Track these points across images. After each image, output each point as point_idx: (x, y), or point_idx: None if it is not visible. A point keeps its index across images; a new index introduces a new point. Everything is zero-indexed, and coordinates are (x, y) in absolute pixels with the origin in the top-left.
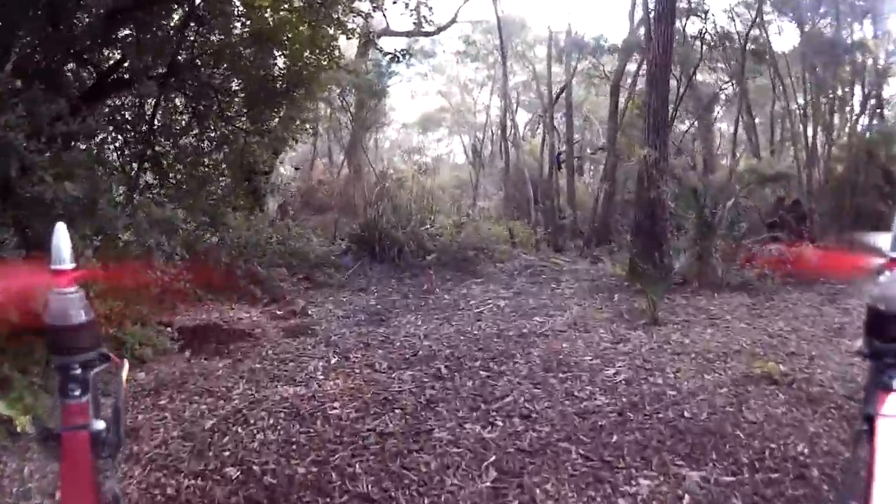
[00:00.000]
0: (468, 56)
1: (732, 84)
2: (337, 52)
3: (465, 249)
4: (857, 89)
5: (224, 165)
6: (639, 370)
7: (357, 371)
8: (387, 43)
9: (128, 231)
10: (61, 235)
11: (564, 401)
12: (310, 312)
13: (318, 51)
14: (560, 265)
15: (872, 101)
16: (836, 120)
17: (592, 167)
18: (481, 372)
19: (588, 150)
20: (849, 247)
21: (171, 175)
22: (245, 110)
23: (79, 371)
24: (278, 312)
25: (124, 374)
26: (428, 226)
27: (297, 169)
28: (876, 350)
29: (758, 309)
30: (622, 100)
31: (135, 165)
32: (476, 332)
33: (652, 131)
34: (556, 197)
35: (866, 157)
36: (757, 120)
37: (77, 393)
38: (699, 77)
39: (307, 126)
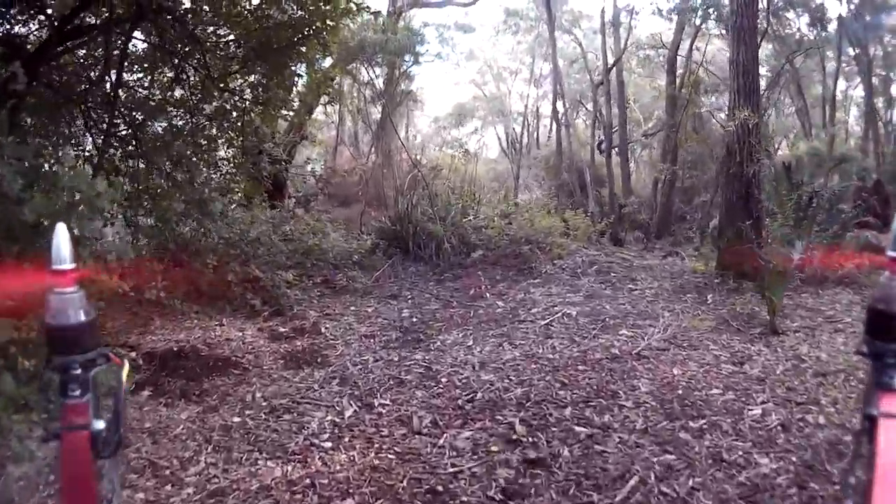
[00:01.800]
0: (509, 29)
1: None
2: None
3: (518, 244)
4: None
5: (219, 143)
6: (789, 405)
7: (384, 432)
8: (419, 15)
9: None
10: (61, 235)
11: (714, 471)
12: (323, 329)
13: None
14: (629, 260)
15: None
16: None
17: (642, 153)
18: (577, 428)
19: (638, 136)
20: None
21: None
22: (243, 71)
23: (79, 371)
24: (281, 330)
25: (125, 374)
26: (471, 217)
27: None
28: (876, 350)
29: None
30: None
31: (98, 141)
32: (551, 356)
33: (742, 94)
34: (612, 184)
35: None
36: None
37: (77, 393)
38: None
39: (327, 91)
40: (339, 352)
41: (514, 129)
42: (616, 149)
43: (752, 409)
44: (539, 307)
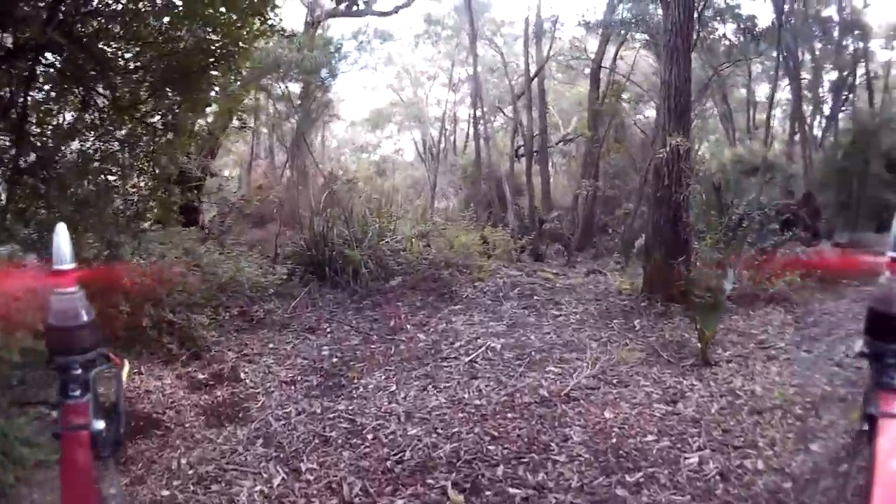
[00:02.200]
0: (430, 38)
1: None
2: (273, 13)
3: (437, 267)
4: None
5: (123, 171)
6: (726, 450)
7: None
8: (337, 25)
9: None
10: (62, 236)
11: None
12: (242, 375)
13: (248, 13)
14: (552, 280)
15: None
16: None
17: (562, 161)
18: (511, 490)
19: (557, 141)
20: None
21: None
22: (154, 97)
23: (79, 371)
24: (200, 377)
25: (125, 374)
26: (388, 239)
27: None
28: (876, 350)
29: (804, 328)
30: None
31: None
32: (478, 402)
33: (673, 116)
34: (532, 196)
35: (867, 145)
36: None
37: (77, 393)
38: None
39: (240, 118)
40: (261, 403)
41: (431, 134)
42: (536, 154)
43: (688, 458)
44: (462, 340)
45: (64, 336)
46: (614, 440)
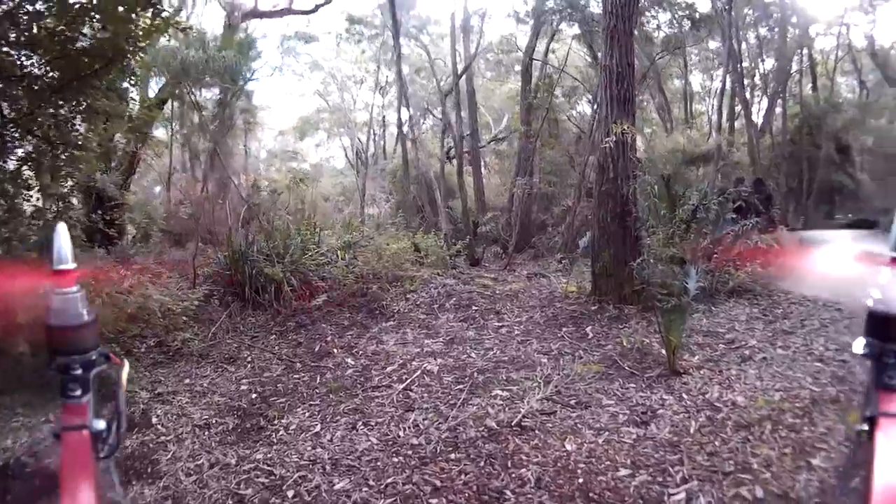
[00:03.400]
0: (352, 37)
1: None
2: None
3: (365, 280)
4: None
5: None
6: (715, 477)
7: None
8: (261, 28)
9: None
10: (62, 235)
11: None
12: (154, 419)
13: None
14: (491, 287)
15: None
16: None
17: (494, 159)
18: None
19: (490, 140)
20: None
21: None
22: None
23: (79, 371)
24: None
25: (125, 374)
26: (311, 252)
27: None
28: (876, 350)
29: (774, 322)
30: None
31: None
32: (415, 441)
33: (616, 103)
34: (464, 198)
35: (815, 129)
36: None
37: (77, 393)
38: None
39: (142, 128)
40: (171, 453)
41: (359, 139)
42: (468, 154)
43: (674, 494)
44: (395, 363)
45: (64, 336)
46: (581, 479)
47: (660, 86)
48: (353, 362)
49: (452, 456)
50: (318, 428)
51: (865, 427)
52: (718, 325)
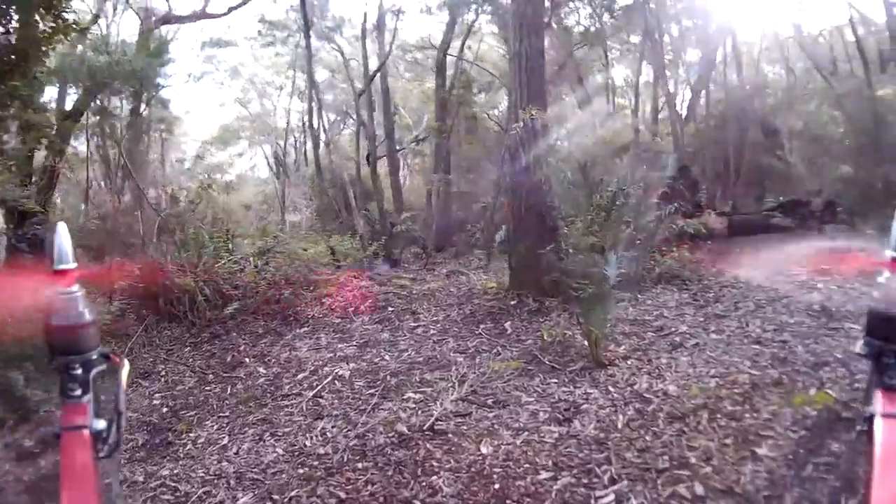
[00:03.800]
0: (265, 39)
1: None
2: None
3: (279, 287)
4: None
5: None
6: (648, 476)
7: None
8: (177, 32)
9: None
10: (63, 235)
11: None
12: None
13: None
14: (408, 287)
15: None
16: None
17: (414, 160)
18: None
19: (408, 142)
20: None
21: None
22: None
23: (80, 371)
24: (28, 444)
25: (124, 373)
26: (224, 260)
27: None
28: (876, 350)
29: (706, 306)
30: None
31: None
32: (322, 450)
33: (526, 90)
34: (381, 200)
35: (741, 113)
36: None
37: (78, 393)
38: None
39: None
40: None
41: (280, 146)
42: (384, 159)
43: (602, 497)
44: (306, 370)
45: (64, 336)
46: (497, 485)
47: (580, 79)
48: (264, 371)
49: (360, 465)
50: (225, 440)
51: (865, 426)
52: (646, 312)
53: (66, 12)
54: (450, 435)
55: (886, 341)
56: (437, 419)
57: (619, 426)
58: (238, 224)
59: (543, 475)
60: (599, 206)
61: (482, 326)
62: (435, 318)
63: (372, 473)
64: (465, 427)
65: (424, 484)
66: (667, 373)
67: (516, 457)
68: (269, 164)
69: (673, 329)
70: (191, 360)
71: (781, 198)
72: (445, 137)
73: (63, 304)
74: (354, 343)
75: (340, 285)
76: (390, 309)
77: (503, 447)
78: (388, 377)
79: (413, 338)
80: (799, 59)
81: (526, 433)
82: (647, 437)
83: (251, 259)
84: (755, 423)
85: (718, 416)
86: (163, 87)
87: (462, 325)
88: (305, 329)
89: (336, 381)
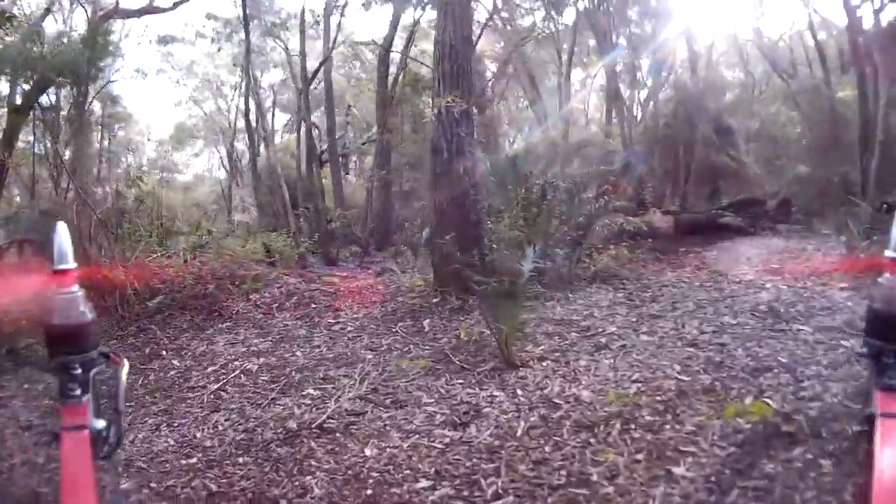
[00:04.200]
0: (211, 36)
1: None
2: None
3: (206, 282)
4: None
5: None
6: (538, 492)
7: None
8: (120, 25)
9: None
10: (63, 235)
11: None
12: None
13: None
14: (336, 285)
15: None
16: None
17: (365, 160)
18: None
19: (357, 143)
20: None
21: None
22: None
23: (79, 371)
24: None
25: (124, 373)
26: (156, 255)
27: None
28: (876, 350)
29: (641, 306)
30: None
31: None
32: (210, 442)
33: (448, 79)
34: (321, 198)
35: (695, 111)
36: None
37: (77, 393)
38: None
39: None
40: None
41: (233, 146)
42: (323, 157)
43: None
44: (217, 363)
45: (64, 335)
46: (370, 490)
47: (532, 79)
48: (178, 364)
49: (241, 460)
50: (127, 429)
51: (865, 427)
52: (575, 312)
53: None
54: (337, 434)
55: (886, 341)
56: (328, 417)
57: (518, 434)
58: (186, 222)
59: (422, 483)
60: (528, 200)
61: (400, 324)
62: (356, 316)
63: (249, 469)
64: (355, 427)
65: (297, 483)
66: (584, 376)
67: (399, 461)
68: (222, 163)
69: (600, 329)
70: (119, 351)
71: (740, 197)
72: (386, 135)
73: (62, 303)
74: (271, 339)
75: (270, 282)
76: (313, 306)
77: (388, 450)
78: (294, 373)
79: (330, 334)
80: (759, 63)
81: (416, 436)
82: (547, 448)
83: (182, 254)
84: (675, 437)
85: (633, 427)
86: (109, 81)
87: (381, 323)
88: (228, 324)
89: (242, 375)
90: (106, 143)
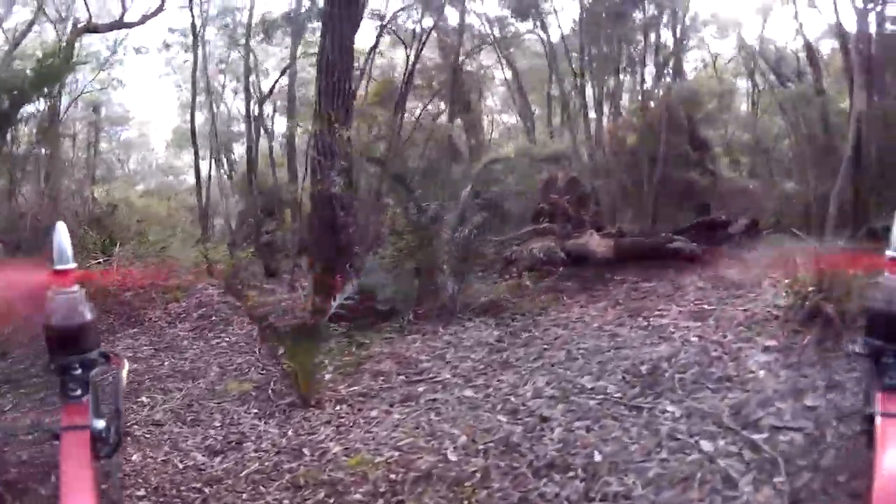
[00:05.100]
0: (178, 46)
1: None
2: None
3: (126, 289)
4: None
5: None
6: None
7: None
8: (95, 40)
9: None
10: (63, 234)
11: None
12: None
13: None
14: (251, 299)
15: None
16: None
17: None
18: None
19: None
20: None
21: None
22: None
23: (79, 371)
24: None
25: (124, 373)
26: (98, 262)
27: None
28: (876, 350)
29: (505, 350)
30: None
31: None
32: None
33: (324, 96)
34: (254, 209)
35: (667, 123)
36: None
37: (77, 393)
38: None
39: None
40: None
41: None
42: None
43: None
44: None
45: (64, 335)
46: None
47: (520, 88)
48: None
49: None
50: None
51: (865, 427)
52: (427, 350)
53: None
54: (128, 439)
55: (886, 341)
56: (135, 423)
57: (244, 473)
58: (171, 227)
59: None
60: (417, 223)
61: (266, 344)
62: (239, 332)
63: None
64: (148, 435)
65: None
66: (360, 429)
67: (146, 474)
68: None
69: (432, 376)
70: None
71: (722, 215)
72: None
73: (62, 303)
74: (156, 347)
75: (193, 293)
76: (213, 319)
77: (150, 462)
78: (147, 380)
79: (205, 348)
80: (741, 75)
81: (179, 454)
82: (244, 496)
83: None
84: None
85: (346, 501)
86: (85, 91)
87: (252, 342)
88: (135, 330)
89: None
90: (101, 147)
